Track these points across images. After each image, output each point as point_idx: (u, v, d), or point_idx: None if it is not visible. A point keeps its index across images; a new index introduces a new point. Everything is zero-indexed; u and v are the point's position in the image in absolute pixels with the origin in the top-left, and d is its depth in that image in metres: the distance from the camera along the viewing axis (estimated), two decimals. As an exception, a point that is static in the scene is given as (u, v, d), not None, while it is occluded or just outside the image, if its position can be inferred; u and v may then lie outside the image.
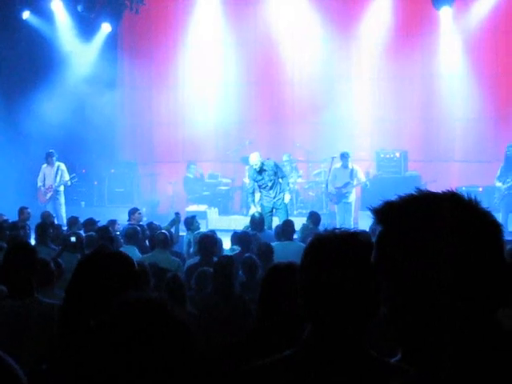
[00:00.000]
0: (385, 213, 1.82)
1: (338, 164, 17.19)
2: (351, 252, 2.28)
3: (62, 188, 18.04)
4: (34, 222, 13.09)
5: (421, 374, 1.73)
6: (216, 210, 19.60)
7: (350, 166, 17.07)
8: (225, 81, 21.66)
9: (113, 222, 13.09)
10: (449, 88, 20.06)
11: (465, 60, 19.98)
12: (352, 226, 16.09)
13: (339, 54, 20.70)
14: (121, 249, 10.13)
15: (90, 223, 12.53)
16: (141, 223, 13.22)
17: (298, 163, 19.66)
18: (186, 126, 21.67)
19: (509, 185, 16.37)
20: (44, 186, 17.89)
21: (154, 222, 13.14)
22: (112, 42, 21.36)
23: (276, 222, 14.47)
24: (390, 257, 1.77)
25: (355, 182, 17.07)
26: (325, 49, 20.86)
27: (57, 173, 17.92)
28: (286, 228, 11.66)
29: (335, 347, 2.27)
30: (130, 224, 12.77)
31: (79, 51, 20.43)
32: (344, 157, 17.05)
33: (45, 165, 18.07)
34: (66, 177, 18.03)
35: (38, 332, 4.78)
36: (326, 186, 17.18)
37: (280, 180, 15.15)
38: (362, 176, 17.29)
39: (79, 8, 18.58)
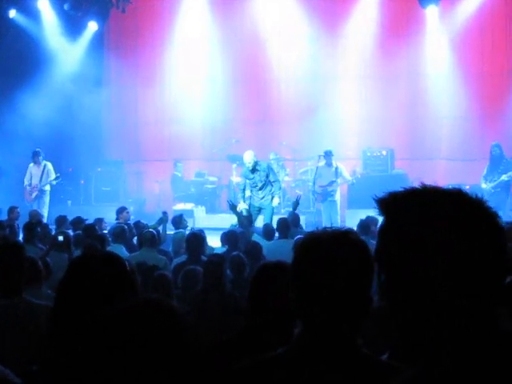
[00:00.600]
0: (388, 204, 1.81)
1: (322, 162, 17.20)
2: (343, 251, 2.29)
3: (47, 188, 17.90)
4: (21, 221, 13.05)
5: (419, 372, 1.73)
6: (203, 208, 19.59)
7: (333, 164, 17.07)
8: (211, 79, 21.66)
9: (100, 221, 13.07)
10: (435, 87, 20.12)
11: (451, 59, 20.06)
12: (339, 224, 16.16)
13: (326, 52, 20.73)
14: (108, 248, 10.14)
15: (78, 222, 12.51)
16: (128, 222, 13.21)
17: (285, 161, 19.69)
18: (172, 124, 21.68)
19: (495, 183, 16.45)
20: (30, 185, 17.81)
21: (142, 221, 13.13)
22: (98, 40, 21.33)
23: (261, 220, 14.60)
24: (390, 249, 1.76)
25: (340, 181, 17.08)
26: (311, 47, 20.90)
27: (43, 172, 17.83)
28: (267, 230, 11.85)
29: (327, 345, 2.28)
30: (117, 223, 12.76)
31: (66, 50, 20.37)
32: (327, 155, 17.03)
33: (31, 164, 17.97)
34: (52, 176, 17.91)
35: (25, 332, 4.77)
36: (313, 184, 17.19)
37: (272, 182, 15.14)
38: (346, 174, 17.29)
39: (66, 7, 18.54)
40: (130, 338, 1.78)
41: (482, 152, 18.08)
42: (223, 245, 11.30)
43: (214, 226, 15.66)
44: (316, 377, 2.26)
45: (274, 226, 12.04)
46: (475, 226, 1.71)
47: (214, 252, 10.63)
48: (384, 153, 19.04)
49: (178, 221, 12.92)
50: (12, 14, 18.80)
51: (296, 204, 13.42)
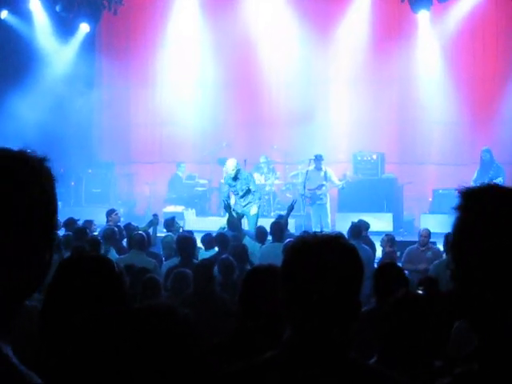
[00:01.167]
0: (476, 197, 1.87)
1: (311, 166, 17.22)
2: (333, 256, 2.30)
3: None
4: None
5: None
6: (193, 211, 19.58)
7: (323, 168, 17.12)
8: (203, 82, 21.67)
9: (89, 223, 13.05)
10: (426, 91, 20.15)
11: (442, 63, 20.11)
12: (330, 228, 16.19)
13: (317, 56, 20.75)
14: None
15: (71, 223, 12.50)
16: (118, 224, 13.19)
17: (275, 165, 19.70)
18: (163, 126, 21.70)
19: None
20: None
21: (132, 223, 13.12)
22: (90, 42, 21.30)
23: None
24: (472, 239, 1.81)
25: (328, 185, 17.12)
26: (303, 50, 20.91)
27: None
28: (260, 233, 11.90)
29: (318, 349, 2.29)
30: (107, 225, 12.75)
31: (57, 51, 20.34)
32: (317, 159, 17.08)
33: (21, 165, 17.85)
34: None
35: (18, 334, 4.75)
36: (304, 187, 17.20)
37: (253, 192, 15.22)
38: (335, 179, 17.32)
39: (57, 8, 18.52)
40: (136, 341, 1.78)
41: (473, 157, 18.13)
42: (206, 247, 11.29)
43: (204, 229, 15.65)
44: (309, 381, 2.26)
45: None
46: None
47: (201, 253, 10.68)
48: (374, 157, 19.06)
49: (170, 223, 12.94)
50: (4, 14, 18.78)
51: (291, 208, 13.48)
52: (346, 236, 10.82)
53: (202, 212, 19.89)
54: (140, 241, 10.21)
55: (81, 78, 20.23)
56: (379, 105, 20.19)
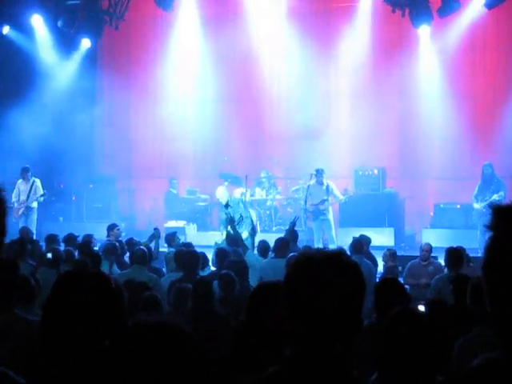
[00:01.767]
0: (508, 216, 1.87)
1: (313, 181, 17.18)
2: (336, 272, 2.29)
3: (35, 205, 17.64)
4: (8, 238, 12.95)
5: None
6: (195, 225, 19.58)
7: (324, 182, 17.06)
8: (204, 97, 21.70)
9: (89, 237, 13.00)
10: (427, 106, 20.16)
11: (443, 78, 20.11)
12: (335, 242, 16.12)
13: (318, 71, 20.79)
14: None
15: (71, 239, 12.47)
16: (120, 239, 13.17)
17: (277, 180, 19.70)
18: (164, 141, 21.72)
19: (486, 203, 16.48)
20: (18, 201, 17.56)
21: (134, 238, 13.09)
22: (91, 57, 21.35)
23: None
24: (504, 258, 1.82)
25: (331, 199, 17.06)
26: (303, 66, 20.94)
27: (31, 188, 17.58)
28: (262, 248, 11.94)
29: (319, 365, 2.28)
30: (108, 240, 12.73)
31: (59, 66, 20.40)
32: (319, 173, 17.02)
33: (20, 180, 17.69)
34: (39, 193, 17.67)
35: (18, 348, 4.74)
36: (305, 202, 17.16)
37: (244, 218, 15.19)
38: (337, 193, 17.25)
39: (59, 23, 18.56)
40: (136, 357, 1.78)
41: (474, 171, 18.10)
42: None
43: (206, 244, 15.64)
44: None
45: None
46: None
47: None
48: (376, 172, 19.07)
49: (171, 238, 12.91)
50: (5, 30, 18.84)
51: (293, 225, 13.44)
52: (348, 251, 10.82)
53: (203, 227, 19.90)
54: (142, 256, 10.19)
55: (82, 92, 20.27)
56: (380, 120, 20.18)
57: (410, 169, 20.21)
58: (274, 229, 18.28)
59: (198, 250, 11.41)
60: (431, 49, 20.05)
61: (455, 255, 9.93)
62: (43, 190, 17.69)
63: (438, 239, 15.54)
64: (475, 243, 15.21)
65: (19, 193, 17.59)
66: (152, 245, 12.56)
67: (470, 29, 19.57)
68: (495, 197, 16.54)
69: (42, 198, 17.64)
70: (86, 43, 20.08)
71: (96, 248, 12.29)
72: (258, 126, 21.23)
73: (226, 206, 14.86)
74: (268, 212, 19.11)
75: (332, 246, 14.65)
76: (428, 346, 3.65)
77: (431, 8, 17.52)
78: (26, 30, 19.48)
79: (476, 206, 16.66)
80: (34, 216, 17.62)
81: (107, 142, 22.08)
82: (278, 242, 11.55)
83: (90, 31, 19.43)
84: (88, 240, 12.18)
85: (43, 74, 20.10)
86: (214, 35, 21.24)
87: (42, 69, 20.15)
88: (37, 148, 18.84)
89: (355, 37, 20.44)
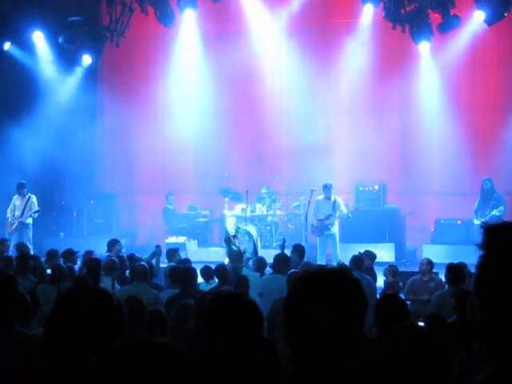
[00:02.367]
0: (499, 235, 1.91)
1: (320, 196, 17.18)
2: (339, 289, 2.30)
3: (29, 221, 17.52)
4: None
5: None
6: (195, 241, 19.57)
7: (332, 197, 17.07)
8: (204, 113, 21.70)
9: (89, 253, 12.98)
10: (427, 121, 20.18)
11: (443, 93, 20.15)
12: (339, 257, 16.08)
13: (318, 87, 20.81)
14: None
15: (69, 254, 12.47)
16: (121, 255, 13.16)
17: (277, 195, 19.69)
18: (165, 157, 21.73)
19: (486, 218, 16.48)
20: (13, 216, 17.48)
21: (136, 254, 13.08)
22: (92, 73, 21.41)
23: None
24: (493, 276, 1.88)
25: (337, 214, 17.05)
26: (304, 82, 20.97)
27: (26, 204, 17.47)
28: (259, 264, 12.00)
29: (321, 378, 2.27)
30: (108, 256, 12.71)
31: (59, 82, 20.43)
32: (327, 188, 17.03)
33: (16, 196, 17.64)
34: (34, 209, 17.46)
35: (18, 363, 4.73)
36: (306, 218, 17.16)
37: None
38: (343, 208, 17.25)
39: (60, 40, 18.60)
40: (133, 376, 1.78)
41: (474, 186, 18.10)
42: (206, 279, 11.25)
43: (206, 260, 15.62)
44: None
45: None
46: None
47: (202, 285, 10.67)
48: (376, 187, 19.08)
49: (172, 254, 12.93)
50: (7, 46, 18.86)
51: (282, 248, 13.43)
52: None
53: (203, 243, 19.88)
54: (142, 272, 10.17)
55: (83, 109, 20.30)
56: (381, 135, 20.18)
57: (411, 184, 20.21)
58: (274, 245, 18.26)
59: (199, 265, 11.44)
60: (432, 65, 20.11)
61: (455, 271, 9.91)
62: (38, 206, 17.59)
63: (438, 255, 15.52)
64: (476, 259, 15.16)
65: (14, 208, 17.53)
66: (153, 262, 12.55)
67: (470, 45, 19.63)
68: (495, 212, 16.55)
69: (36, 215, 17.52)
70: (86, 59, 20.11)
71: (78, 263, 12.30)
72: (258, 142, 21.24)
73: (234, 236, 14.89)
74: (269, 228, 19.11)
75: (335, 264, 14.63)
76: (429, 363, 3.64)
77: (431, 24, 17.56)
78: (27, 47, 19.50)
79: (476, 221, 16.66)
80: (30, 233, 17.44)
81: (108, 157, 22.10)
82: (278, 258, 11.55)
83: (90, 47, 19.48)
84: (84, 255, 12.20)
85: (44, 90, 20.11)
86: (215, 51, 21.31)
87: (43, 85, 20.16)
88: (38, 164, 18.83)
89: (356, 53, 20.48)
